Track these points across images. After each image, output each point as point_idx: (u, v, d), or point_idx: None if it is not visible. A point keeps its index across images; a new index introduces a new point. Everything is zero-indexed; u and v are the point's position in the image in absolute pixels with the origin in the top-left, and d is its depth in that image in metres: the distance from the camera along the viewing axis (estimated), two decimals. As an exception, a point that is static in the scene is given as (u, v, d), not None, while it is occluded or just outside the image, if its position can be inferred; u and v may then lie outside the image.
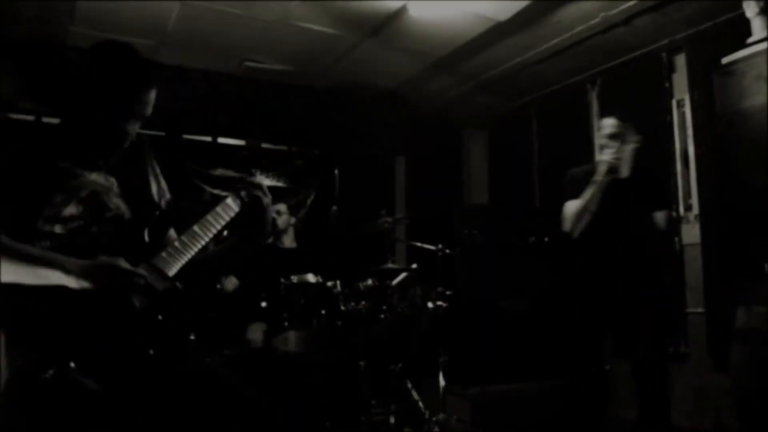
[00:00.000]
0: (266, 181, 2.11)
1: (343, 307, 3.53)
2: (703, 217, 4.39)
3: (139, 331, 1.61)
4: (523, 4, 4.15)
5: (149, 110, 1.79)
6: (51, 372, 1.45)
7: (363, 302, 3.56)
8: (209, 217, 1.90)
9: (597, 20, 4.42)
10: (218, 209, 1.94)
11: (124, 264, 1.55)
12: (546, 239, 4.98)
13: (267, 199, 2.04)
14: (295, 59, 5.22)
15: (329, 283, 3.57)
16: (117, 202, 1.80)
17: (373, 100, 6.05)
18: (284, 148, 6.03)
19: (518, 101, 6.21)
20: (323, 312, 3.49)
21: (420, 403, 3.72)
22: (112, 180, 1.84)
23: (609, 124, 3.45)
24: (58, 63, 4.95)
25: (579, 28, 4.56)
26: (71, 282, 1.47)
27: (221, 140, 5.70)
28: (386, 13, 4.33)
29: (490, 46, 4.90)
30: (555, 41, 4.77)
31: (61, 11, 4.36)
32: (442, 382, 3.79)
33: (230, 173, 5.94)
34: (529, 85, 5.80)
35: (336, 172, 5.06)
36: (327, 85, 5.77)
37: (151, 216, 1.86)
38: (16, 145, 1.74)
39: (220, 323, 3.91)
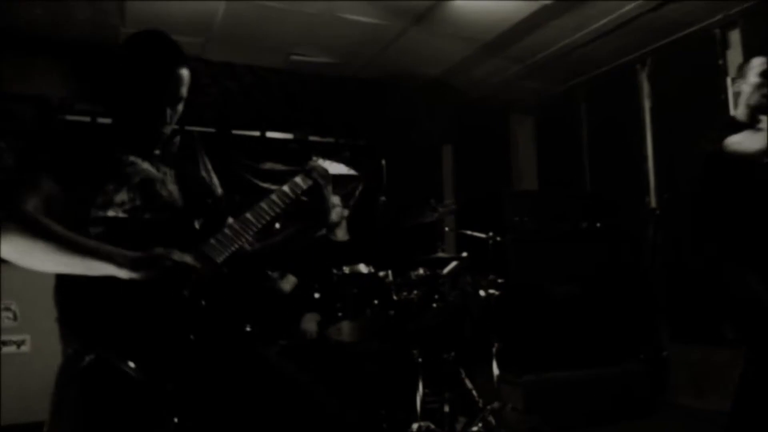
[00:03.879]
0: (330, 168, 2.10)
1: (395, 297, 3.53)
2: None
3: (186, 318, 1.62)
4: (569, -15, 4.09)
5: (184, 90, 1.81)
6: (90, 357, 1.49)
7: (415, 291, 3.56)
8: (268, 201, 1.90)
9: (647, -2, 4.32)
10: (285, 188, 1.94)
11: (177, 256, 1.55)
12: (598, 224, 4.90)
13: (330, 187, 2.03)
14: (340, 51, 5.24)
15: (381, 273, 3.58)
16: (171, 190, 1.83)
17: (419, 88, 6.04)
18: (332, 140, 6.06)
19: (566, 84, 6.12)
20: (376, 302, 3.50)
21: (474, 392, 3.71)
22: (166, 169, 1.88)
23: (759, 62, 2.97)
24: (111, 64, 5.08)
25: (628, 7, 4.45)
26: (122, 273, 1.49)
27: (269, 134, 5.75)
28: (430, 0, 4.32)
29: (537, 29, 4.82)
30: (603, 21, 4.67)
31: (111, 14, 4.48)
32: (495, 370, 3.78)
33: (279, 167, 6.04)
34: (577, 68, 5.70)
35: (383, 162, 5.06)
36: (373, 75, 5.78)
37: (203, 205, 1.88)
38: (73, 141, 1.80)
39: (275, 314, 3.98)
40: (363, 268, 3.60)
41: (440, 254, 3.97)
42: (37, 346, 3.84)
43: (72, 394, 1.53)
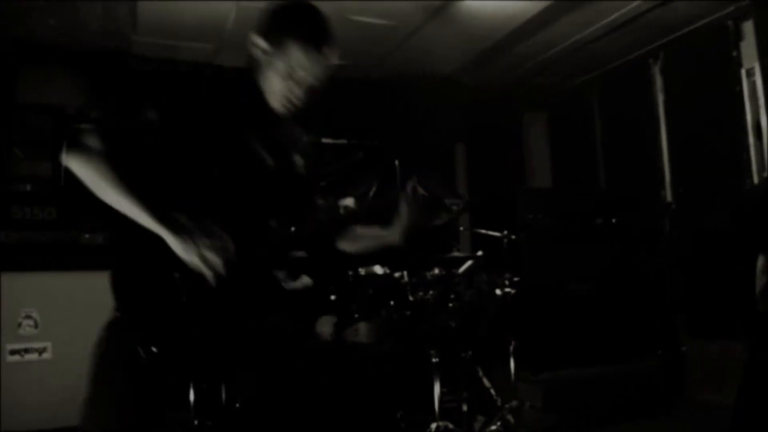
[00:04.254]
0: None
1: (411, 297, 3.54)
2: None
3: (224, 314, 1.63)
4: (580, -19, 4.07)
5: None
6: (144, 351, 1.52)
7: (430, 291, 3.57)
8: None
9: (657, -9, 4.30)
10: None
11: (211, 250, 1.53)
12: (613, 220, 4.88)
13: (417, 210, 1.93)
14: (351, 53, 5.24)
15: (396, 274, 3.59)
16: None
17: (431, 88, 6.03)
18: (344, 141, 6.07)
19: (578, 80, 6.09)
20: (392, 302, 3.52)
21: (492, 391, 3.71)
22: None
23: None
24: (124, 72, 5.14)
25: (638, 2, 4.42)
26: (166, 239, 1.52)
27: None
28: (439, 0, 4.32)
29: (547, 26, 4.81)
30: (614, 16, 4.65)
31: (123, 22, 4.53)
32: (513, 368, 3.78)
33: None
34: (588, 63, 5.68)
35: (396, 162, 5.07)
36: (384, 76, 5.79)
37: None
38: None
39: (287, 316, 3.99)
40: (378, 269, 3.61)
41: (455, 254, 3.97)
42: (58, 353, 3.89)
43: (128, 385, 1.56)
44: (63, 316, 3.86)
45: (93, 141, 1.57)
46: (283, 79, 1.72)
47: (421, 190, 1.87)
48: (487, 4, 4.37)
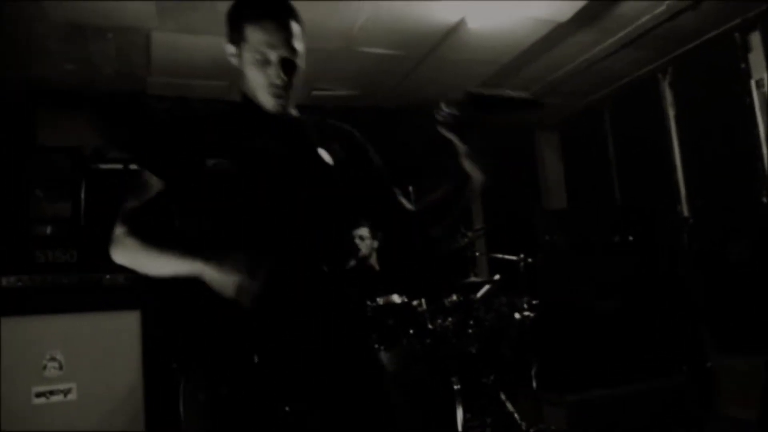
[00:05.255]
0: None
1: (430, 325, 3.55)
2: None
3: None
4: (582, 3, 4.10)
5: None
6: (213, 394, 1.50)
7: (449, 318, 3.58)
8: None
9: (662, 8, 4.30)
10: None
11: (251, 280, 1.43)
12: (630, 237, 4.86)
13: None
14: (361, 83, 5.32)
15: (414, 302, 3.60)
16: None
17: (441, 113, 6.07)
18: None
19: (588, 98, 6.10)
20: (411, 331, 3.52)
21: (516, 415, 3.69)
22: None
23: None
24: (140, 112, 5.24)
25: (644, 19, 4.44)
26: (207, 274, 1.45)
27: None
28: (445, 28, 4.36)
29: (554, 48, 4.84)
30: (620, 35, 4.67)
31: (138, 65, 4.63)
32: (536, 391, 3.76)
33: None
34: (598, 81, 5.69)
35: (411, 189, 5.10)
36: (394, 104, 5.85)
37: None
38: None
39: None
40: (396, 298, 3.62)
41: (473, 279, 3.98)
42: (83, 394, 3.91)
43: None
44: (86, 357, 3.90)
45: (117, 231, 1.57)
46: (259, 68, 1.61)
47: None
48: (492, 29, 4.41)
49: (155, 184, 1.59)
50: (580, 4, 4.11)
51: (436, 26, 4.32)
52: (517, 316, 3.78)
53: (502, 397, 3.76)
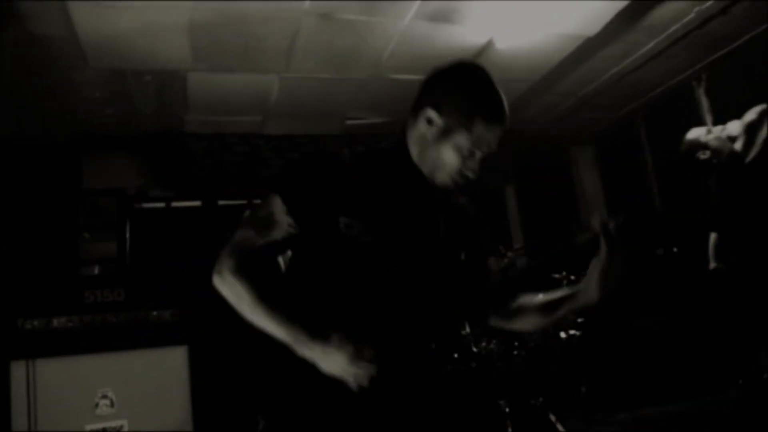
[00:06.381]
0: None
1: (474, 349, 3.52)
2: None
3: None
4: (609, 16, 4.09)
5: None
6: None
7: (494, 341, 3.54)
8: None
9: (692, 16, 4.28)
10: None
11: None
12: (675, 249, 4.77)
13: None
14: (393, 110, 5.36)
15: (457, 326, 3.58)
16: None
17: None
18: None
19: (623, 110, 6.05)
20: (456, 355, 3.50)
21: (567, 436, 3.62)
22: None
23: None
24: (179, 150, 5.38)
25: (673, 28, 4.42)
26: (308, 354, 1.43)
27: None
28: (473, 50, 4.40)
29: (584, 62, 4.83)
30: (650, 45, 4.65)
31: (176, 105, 4.76)
32: (586, 410, 3.68)
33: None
34: (631, 93, 5.64)
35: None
36: (427, 128, 5.87)
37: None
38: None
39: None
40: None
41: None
42: (134, 430, 3.98)
43: None
44: (137, 393, 3.96)
45: (227, 262, 1.50)
46: (459, 155, 1.57)
47: (628, 228, 1.59)
48: (521, 47, 4.42)
49: (284, 225, 1.52)
50: (608, 18, 4.10)
51: (464, 49, 4.36)
52: (562, 335, 3.72)
53: (552, 418, 3.70)
